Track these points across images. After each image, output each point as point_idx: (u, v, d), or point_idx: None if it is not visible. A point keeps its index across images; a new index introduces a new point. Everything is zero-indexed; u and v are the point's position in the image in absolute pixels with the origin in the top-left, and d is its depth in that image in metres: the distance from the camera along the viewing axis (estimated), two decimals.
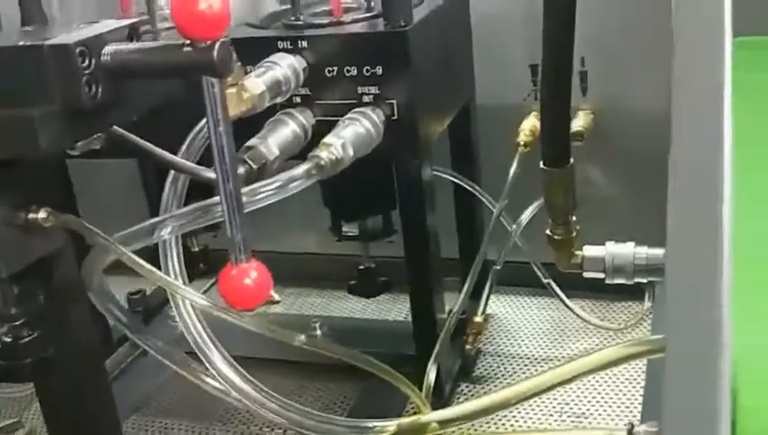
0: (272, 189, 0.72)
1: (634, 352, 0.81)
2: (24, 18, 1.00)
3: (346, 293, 1.23)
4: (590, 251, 0.92)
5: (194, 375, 0.76)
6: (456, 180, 1.12)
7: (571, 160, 0.89)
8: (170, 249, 0.77)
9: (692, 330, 0.49)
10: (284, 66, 0.86)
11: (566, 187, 0.89)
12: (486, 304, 1.16)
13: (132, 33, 0.62)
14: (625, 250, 0.90)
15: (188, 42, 0.55)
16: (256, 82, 0.81)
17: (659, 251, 0.89)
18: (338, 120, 0.88)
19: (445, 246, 1.05)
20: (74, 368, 0.76)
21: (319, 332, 1.22)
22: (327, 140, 0.81)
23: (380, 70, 0.88)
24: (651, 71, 1.12)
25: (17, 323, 0.69)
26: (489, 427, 1.01)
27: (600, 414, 1.03)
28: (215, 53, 0.55)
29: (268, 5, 1.06)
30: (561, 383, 0.80)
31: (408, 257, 1.01)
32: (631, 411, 1.03)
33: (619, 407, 1.04)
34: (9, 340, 0.71)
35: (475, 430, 0.98)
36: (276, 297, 1.38)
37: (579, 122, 1.15)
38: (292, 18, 0.96)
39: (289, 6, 1.00)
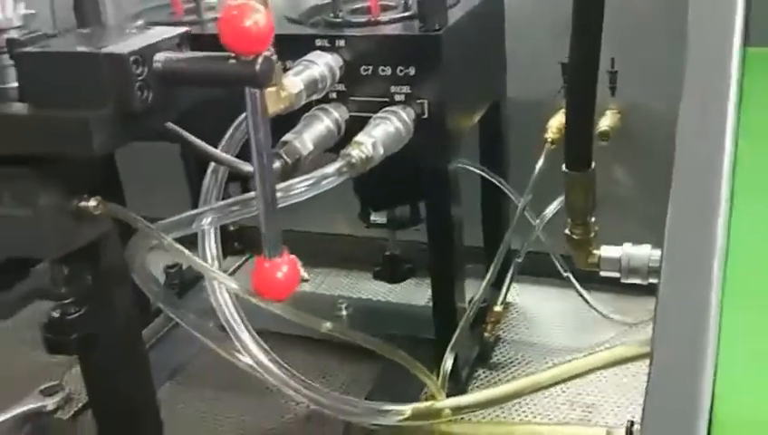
0: (305, 186, 0.77)
1: (646, 352, 0.85)
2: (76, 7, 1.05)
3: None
4: (606, 251, 0.95)
5: (225, 350, 0.81)
6: (483, 174, 1.15)
7: (593, 165, 0.93)
8: (208, 233, 0.81)
9: (679, 338, 0.53)
10: (321, 65, 0.90)
11: (586, 189, 0.93)
12: (507, 293, 1.20)
13: (182, 41, 0.66)
14: (641, 252, 0.94)
15: (234, 54, 0.60)
16: (294, 81, 0.85)
17: None
18: (371, 117, 0.92)
19: (468, 234, 1.09)
20: (115, 342, 0.82)
21: (345, 312, 1.28)
22: (358, 138, 0.85)
23: (413, 71, 0.91)
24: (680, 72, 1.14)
25: (66, 301, 0.75)
26: (500, 413, 1.05)
27: (610, 405, 1.07)
28: (257, 67, 0.60)
29: None
30: (573, 377, 0.85)
31: (432, 247, 1.06)
32: (641, 404, 1.06)
33: (628, 399, 1.08)
34: (57, 315, 0.77)
35: (485, 416, 1.03)
36: (306, 275, 1.43)
37: (606, 122, 1.18)
38: (332, 15, 1.00)
39: (329, 1, 1.04)
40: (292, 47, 0.92)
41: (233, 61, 0.60)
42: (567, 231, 0.97)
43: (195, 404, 1.17)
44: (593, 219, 0.96)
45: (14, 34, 0.66)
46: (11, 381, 1.26)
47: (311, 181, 0.78)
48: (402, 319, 1.27)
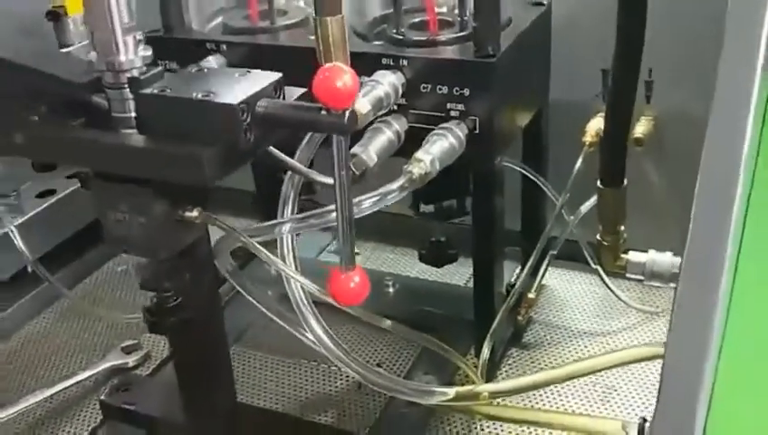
0: (372, 202, 0.90)
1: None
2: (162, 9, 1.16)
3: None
4: (633, 256, 1.07)
5: (293, 328, 0.95)
6: (525, 172, 1.26)
7: (625, 182, 1.03)
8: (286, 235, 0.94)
9: (689, 342, 0.63)
10: (386, 85, 1.01)
11: (618, 204, 1.05)
12: (540, 282, 1.32)
13: (277, 85, 0.78)
14: (664, 258, 1.06)
15: (325, 107, 0.71)
16: (363, 103, 0.96)
17: None
18: (428, 128, 1.03)
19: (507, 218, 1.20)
20: (202, 320, 0.96)
21: (391, 289, 1.41)
22: (418, 155, 0.96)
23: (467, 92, 1.02)
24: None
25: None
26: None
27: (629, 389, 1.20)
28: (346, 120, 0.71)
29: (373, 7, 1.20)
30: (598, 370, 0.98)
31: (476, 239, 1.17)
32: (652, 392, 1.19)
33: (643, 383, 1.20)
34: (157, 301, 0.91)
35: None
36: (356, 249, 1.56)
37: (640, 129, 1.27)
38: (394, 31, 1.11)
39: (391, 11, 1.15)
40: (360, 63, 1.02)
41: (324, 112, 0.72)
42: (598, 237, 1.08)
43: (257, 367, 1.31)
44: (623, 228, 1.07)
45: (134, 72, 0.78)
46: (93, 339, 1.41)
47: (376, 198, 0.90)
48: (444, 298, 1.39)
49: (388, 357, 1.31)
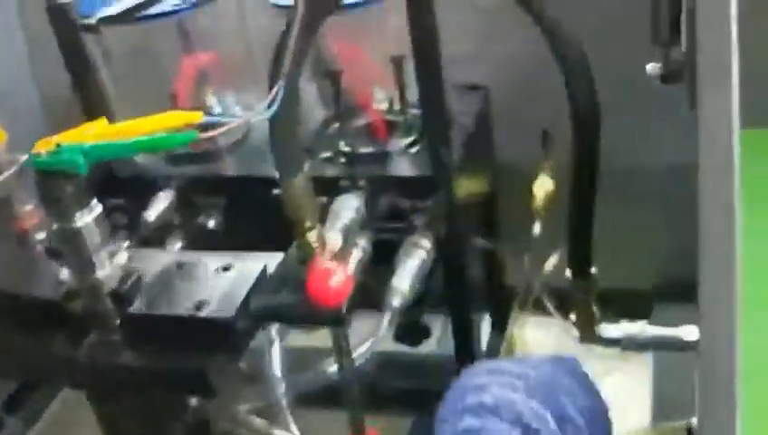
0: (367, 346, 0.92)
1: None
2: None
3: None
4: (606, 331, 1.12)
5: None
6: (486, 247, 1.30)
7: (593, 270, 1.08)
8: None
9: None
10: (350, 210, 1.01)
11: (588, 292, 1.09)
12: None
13: (264, 273, 0.78)
14: (634, 328, 1.11)
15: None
16: (335, 238, 0.96)
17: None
18: (394, 239, 1.04)
19: None
20: None
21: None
22: (395, 284, 0.97)
23: (429, 202, 1.04)
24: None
25: None
26: None
27: None
28: (341, 314, 0.72)
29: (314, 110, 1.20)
30: None
31: (455, 320, 1.17)
32: None
33: None
34: None
35: None
36: None
37: None
38: (343, 144, 1.11)
39: (332, 115, 1.15)
40: (318, 185, 1.01)
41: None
42: (572, 317, 1.13)
43: None
44: (594, 308, 1.11)
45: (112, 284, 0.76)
46: None
47: (371, 342, 0.92)
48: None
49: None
